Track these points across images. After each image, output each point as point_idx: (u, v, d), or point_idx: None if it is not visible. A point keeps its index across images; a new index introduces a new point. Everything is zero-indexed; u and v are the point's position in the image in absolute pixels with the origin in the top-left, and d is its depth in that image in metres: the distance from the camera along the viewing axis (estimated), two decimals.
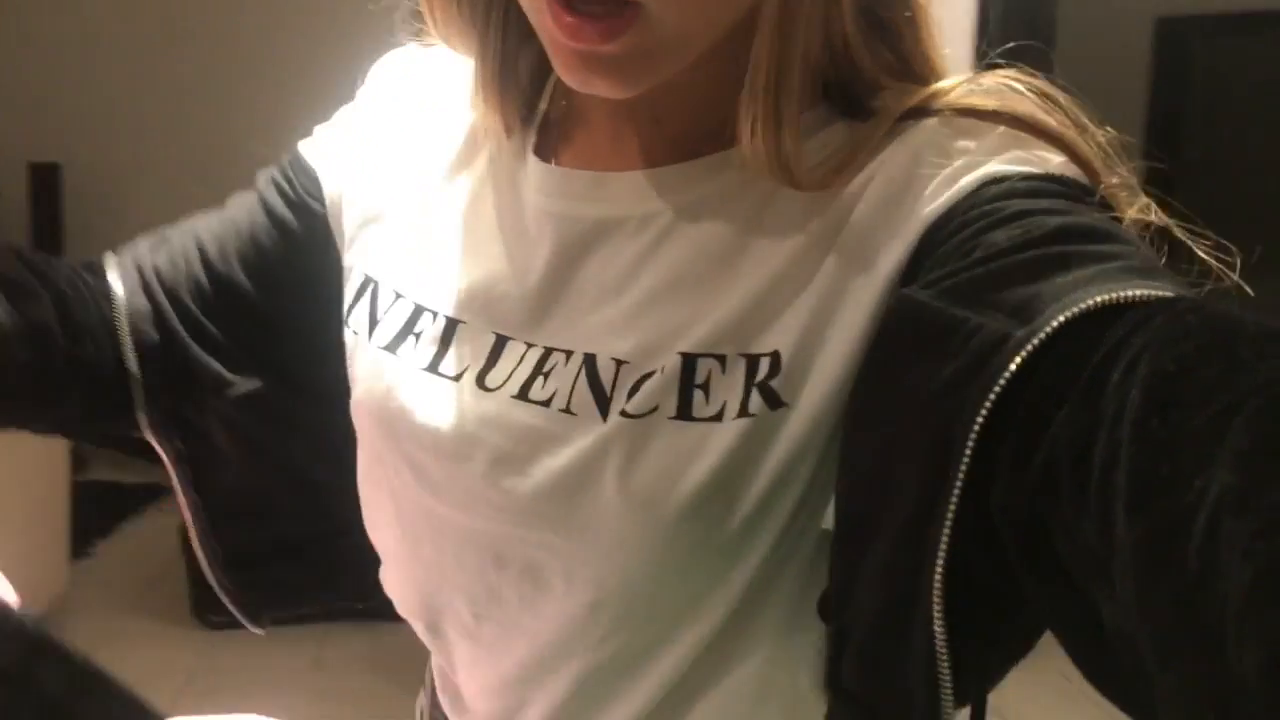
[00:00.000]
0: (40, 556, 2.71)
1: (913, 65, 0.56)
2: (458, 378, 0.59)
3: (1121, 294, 0.39)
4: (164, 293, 0.67)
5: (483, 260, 0.61)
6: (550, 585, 0.56)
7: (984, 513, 0.42)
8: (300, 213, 0.69)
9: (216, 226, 0.69)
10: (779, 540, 0.54)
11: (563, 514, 0.54)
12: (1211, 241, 0.50)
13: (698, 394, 0.53)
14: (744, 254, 0.55)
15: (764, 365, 0.52)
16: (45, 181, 3.91)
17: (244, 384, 0.68)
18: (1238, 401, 0.33)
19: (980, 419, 0.40)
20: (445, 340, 0.61)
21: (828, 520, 0.54)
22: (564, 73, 0.53)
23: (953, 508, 0.42)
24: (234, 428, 0.68)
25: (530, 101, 0.64)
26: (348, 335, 0.66)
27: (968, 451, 0.41)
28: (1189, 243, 0.52)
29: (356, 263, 0.66)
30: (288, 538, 0.73)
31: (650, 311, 0.55)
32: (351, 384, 0.64)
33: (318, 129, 0.71)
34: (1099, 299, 0.39)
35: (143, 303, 0.66)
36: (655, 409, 0.53)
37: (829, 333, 0.51)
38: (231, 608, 0.73)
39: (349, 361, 0.65)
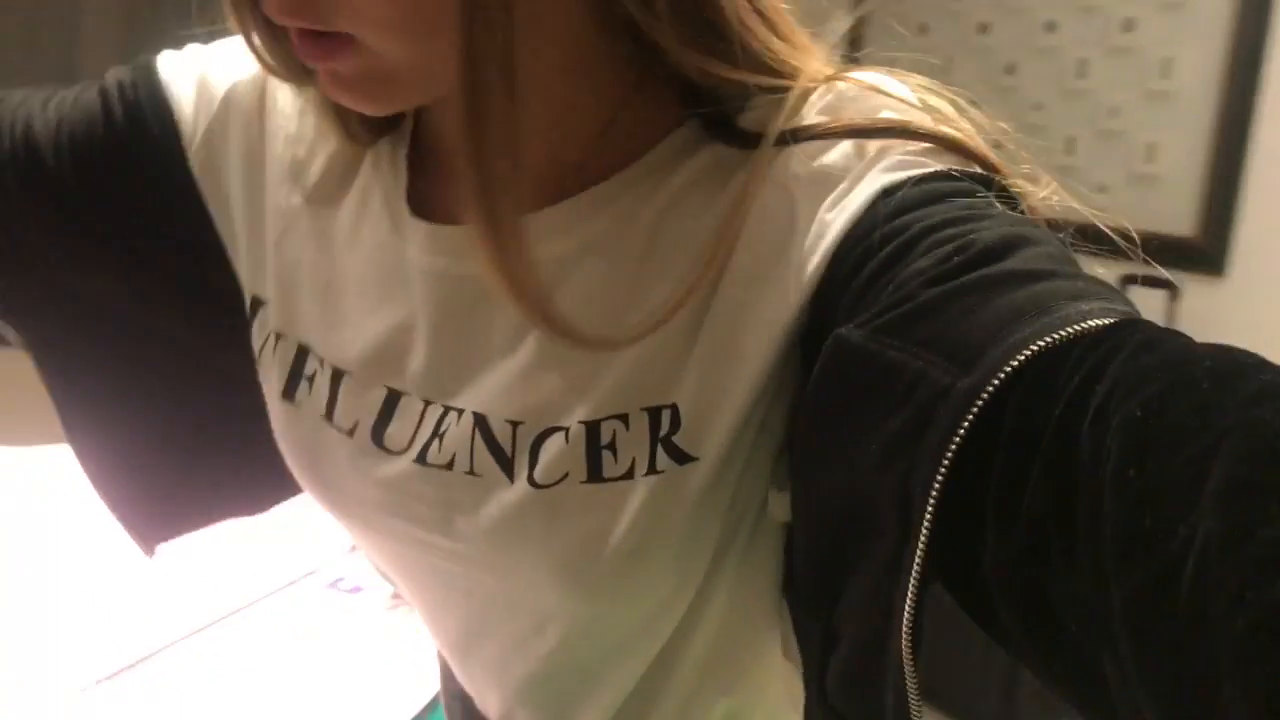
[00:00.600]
0: None
1: (763, 60, 0.52)
2: (351, 432, 0.58)
3: (1063, 332, 0.38)
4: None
5: (365, 309, 0.59)
6: (493, 604, 0.59)
7: (960, 562, 0.40)
8: (134, 121, 0.63)
9: (50, 105, 0.64)
10: (708, 576, 0.54)
11: (492, 562, 0.55)
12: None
13: (605, 454, 0.51)
14: (630, 306, 0.52)
15: (665, 419, 0.51)
16: None
17: (88, 277, 0.65)
18: (1212, 443, 0.31)
19: (938, 482, 0.38)
20: (334, 390, 0.59)
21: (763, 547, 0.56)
22: (321, 85, 0.51)
23: (917, 567, 0.39)
24: (84, 319, 0.66)
25: (379, 125, 0.61)
26: (256, 347, 0.64)
27: (929, 511, 0.38)
28: (1097, 223, 0.52)
29: (247, 277, 0.65)
30: (166, 453, 0.71)
31: (542, 372, 0.53)
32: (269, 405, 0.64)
33: (173, 57, 0.66)
34: (1044, 341, 0.38)
35: None
36: (565, 476, 0.52)
37: (725, 382, 0.50)
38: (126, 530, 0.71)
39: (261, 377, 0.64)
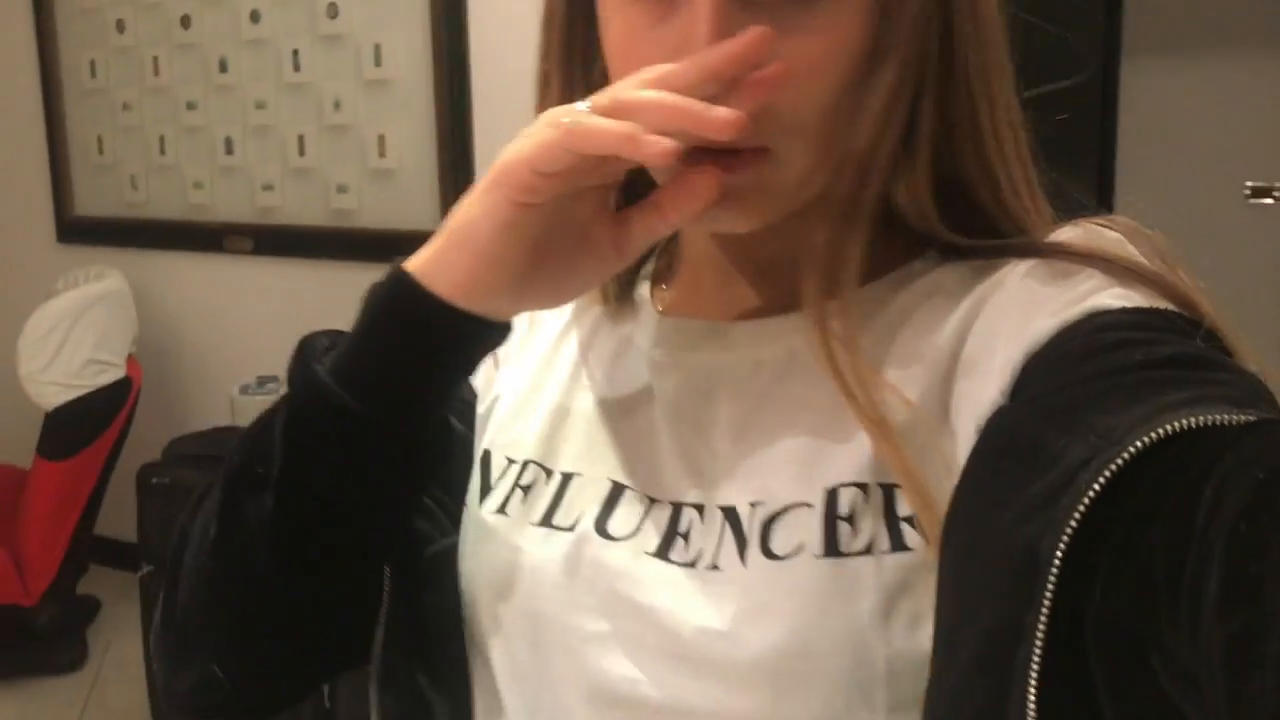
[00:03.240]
0: None
1: (999, 224, 0.58)
2: (572, 527, 0.60)
3: (1212, 418, 0.39)
4: None
5: (593, 414, 0.63)
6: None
7: (1071, 636, 0.41)
8: (462, 410, 0.69)
9: None
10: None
11: (707, 664, 0.54)
12: None
13: (843, 526, 0.52)
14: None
15: (899, 496, 0.52)
16: None
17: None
18: None
19: (1066, 537, 0.40)
20: (559, 494, 0.61)
21: None
22: (701, 218, 0.54)
23: (1042, 628, 0.41)
24: None
25: (631, 266, 0.64)
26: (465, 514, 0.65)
27: (1054, 571, 0.40)
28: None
29: (478, 443, 0.67)
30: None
31: (778, 453, 0.56)
32: (462, 559, 0.64)
33: None
34: (1187, 422, 0.39)
35: None
36: (800, 548, 0.53)
37: (940, 465, 0.51)
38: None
39: (462, 539, 0.64)
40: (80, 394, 2.45)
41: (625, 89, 0.50)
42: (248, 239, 2.71)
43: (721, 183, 0.52)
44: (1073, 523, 0.40)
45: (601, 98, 0.50)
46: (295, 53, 2.56)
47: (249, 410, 2.52)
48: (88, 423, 2.49)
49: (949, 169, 0.57)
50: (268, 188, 2.67)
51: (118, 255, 2.84)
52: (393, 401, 0.57)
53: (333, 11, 2.49)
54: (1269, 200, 3.69)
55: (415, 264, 0.55)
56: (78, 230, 2.96)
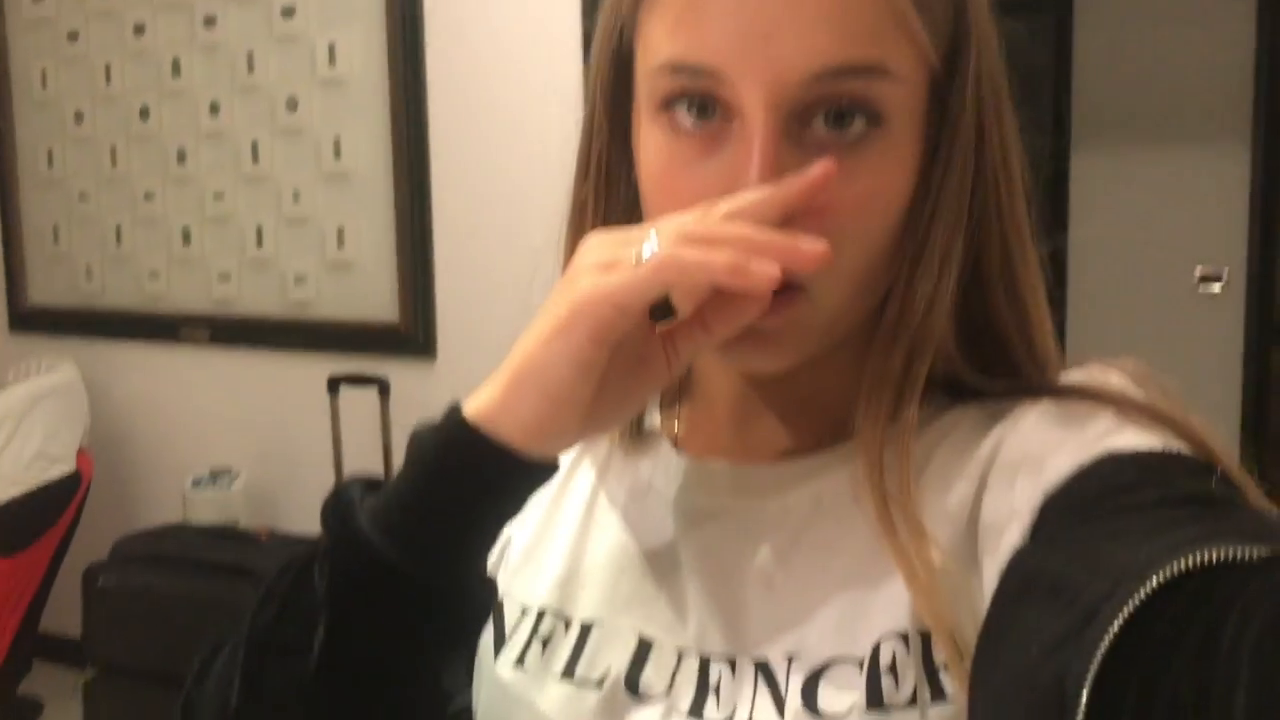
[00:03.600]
0: None
1: (1025, 366, 0.59)
2: (600, 683, 0.58)
3: (1232, 551, 0.40)
4: None
5: (612, 558, 0.62)
6: None
7: None
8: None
9: None
10: None
11: None
12: None
13: (886, 680, 0.52)
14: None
15: (935, 643, 0.52)
16: None
17: None
18: None
19: (1094, 670, 0.40)
20: (580, 645, 0.60)
21: None
22: (727, 352, 0.55)
23: None
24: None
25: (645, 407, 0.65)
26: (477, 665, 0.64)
27: (1083, 704, 0.40)
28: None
29: None
30: None
31: (812, 603, 0.55)
32: (475, 712, 0.63)
33: None
34: (1207, 555, 0.40)
35: None
36: (851, 708, 0.52)
37: (968, 612, 0.52)
38: None
39: (476, 695, 0.63)
40: (28, 489, 2.40)
41: (708, 221, 0.49)
42: (204, 329, 2.69)
43: (764, 306, 0.50)
44: (1099, 655, 0.40)
45: (687, 228, 0.49)
46: (254, 144, 2.57)
47: (201, 504, 2.47)
48: (35, 518, 2.44)
49: (979, 310, 0.58)
50: (225, 278, 2.65)
51: (71, 345, 2.81)
52: (449, 560, 0.53)
53: (292, 105, 2.50)
54: (1218, 286, 3.76)
55: (477, 409, 0.51)
56: (31, 320, 2.93)
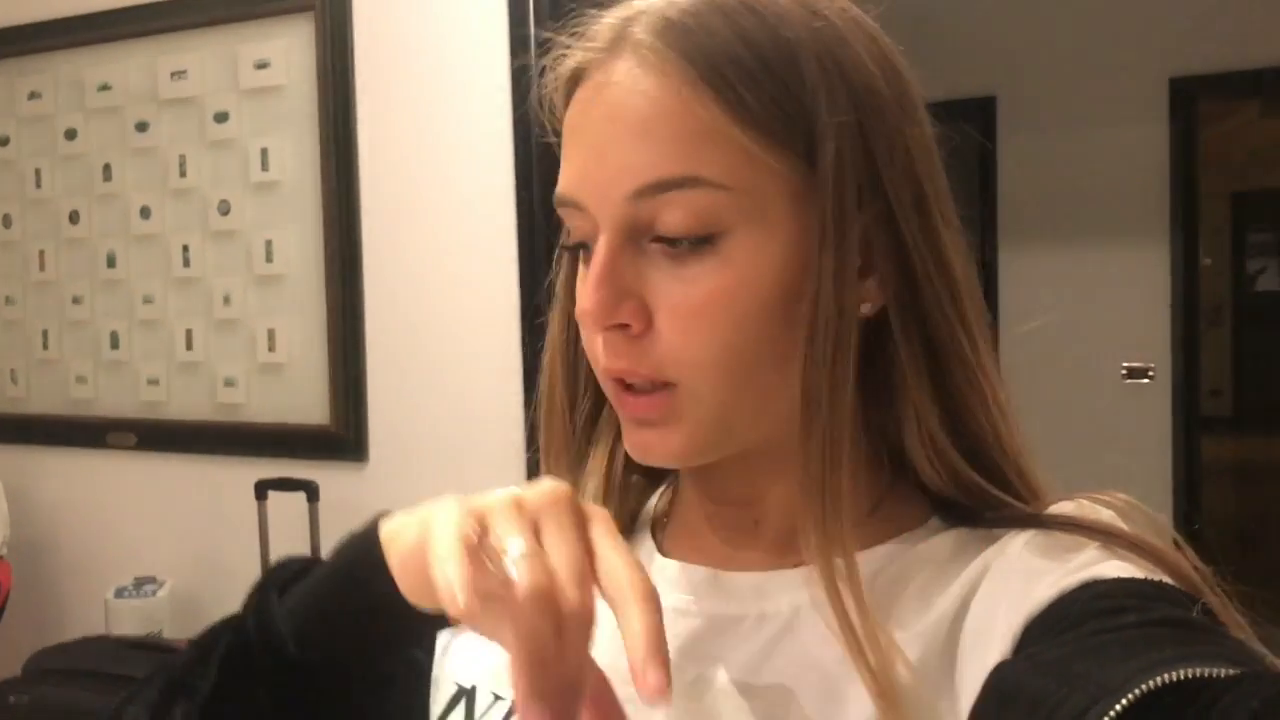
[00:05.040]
0: None
1: (1007, 476, 0.60)
2: None
3: (1207, 671, 0.41)
4: None
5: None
6: None
7: None
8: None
9: None
10: None
11: None
12: None
13: None
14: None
15: None
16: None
17: None
18: None
19: None
20: None
21: None
22: (629, 444, 0.60)
23: None
24: None
25: (634, 511, 0.69)
26: None
27: None
28: None
29: (444, 674, 0.67)
30: None
31: (782, 710, 0.56)
32: None
33: None
34: (1184, 673, 0.41)
35: None
36: None
37: None
38: None
39: None
40: None
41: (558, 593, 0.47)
42: (131, 434, 2.64)
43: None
44: None
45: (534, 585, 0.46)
46: (185, 248, 2.55)
47: (123, 614, 2.40)
48: None
49: (963, 430, 0.60)
50: (153, 382, 2.62)
51: None
52: (338, 654, 0.56)
53: (224, 208, 2.50)
54: (1145, 380, 3.84)
55: (388, 529, 0.55)
56: None
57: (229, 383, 2.54)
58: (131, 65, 2.59)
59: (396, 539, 0.54)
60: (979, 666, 0.52)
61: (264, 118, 2.45)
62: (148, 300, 2.61)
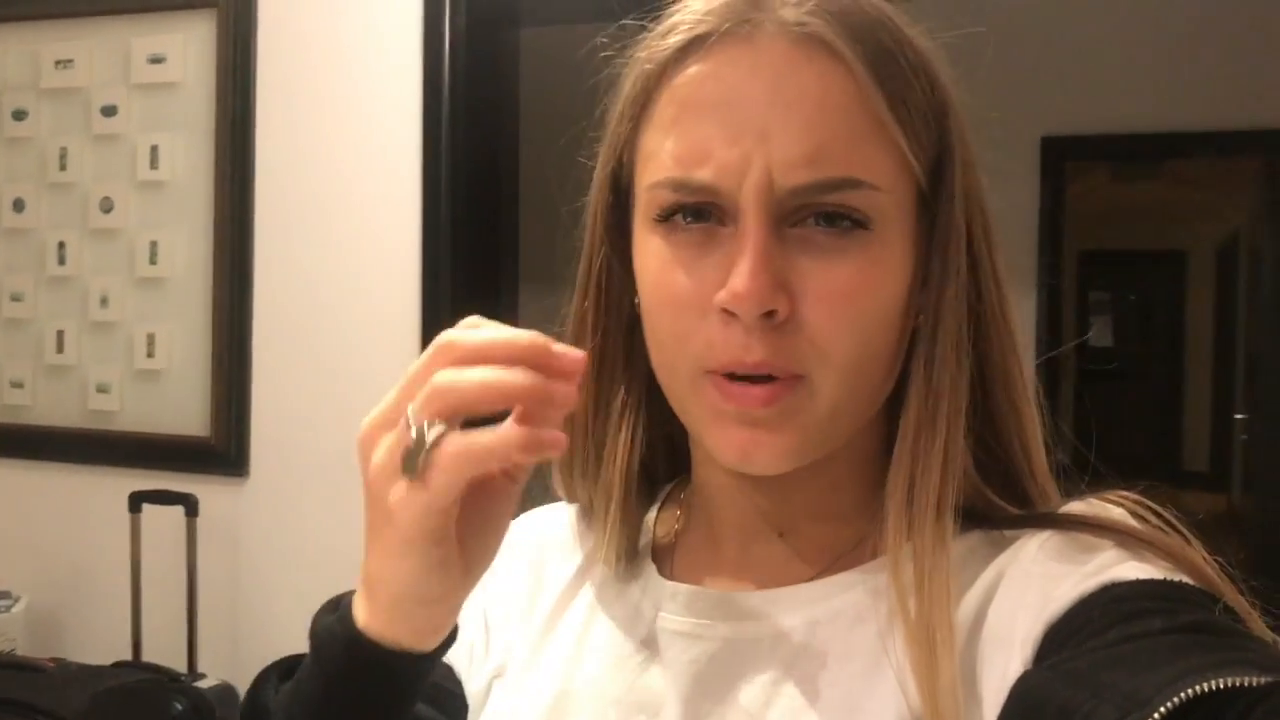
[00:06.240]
0: None
1: (1030, 496, 0.60)
2: None
3: (1237, 681, 0.41)
4: None
5: (600, 689, 0.62)
6: None
7: None
8: (442, 699, 0.67)
9: None
10: None
11: None
12: None
13: None
14: (883, 662, 0.55)
15: None
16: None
17: None
18: None
19: None
20: None
21: None
22: (722, 445, 0.56)
23: None
24: None
25: (639, 531, 0.67)
26: None
27: None
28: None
29: None
30: None
31: None
32: None
33: None
34: (1214, 684, 0.41)
35: None
36: None
37: None
38: None
39: None
40: None
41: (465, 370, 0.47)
42: None
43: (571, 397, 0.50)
44: None
45: (442, 385, 0.47)
46: (61, 245, 2.43)
47: None
48: None
49: (987, 427, 0.60)
50: (17, 385, 2.47)
51: None
52: None
53: (107, 205, 2.39)
54: None
55: (369, 625, 0.52)
56: None
57: (102, 389, 2.41)
58: (11, 50, 2.46)
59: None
60: (1000, 675, 0.52)
61: (156, 114, 2.35)
62: (16, 298, 2.47)
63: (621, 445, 0.65)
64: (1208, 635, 0.47)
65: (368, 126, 2.22)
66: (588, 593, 0.68)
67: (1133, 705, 0.42)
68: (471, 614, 0.70)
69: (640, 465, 0.66)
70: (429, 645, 0.53)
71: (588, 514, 0.70)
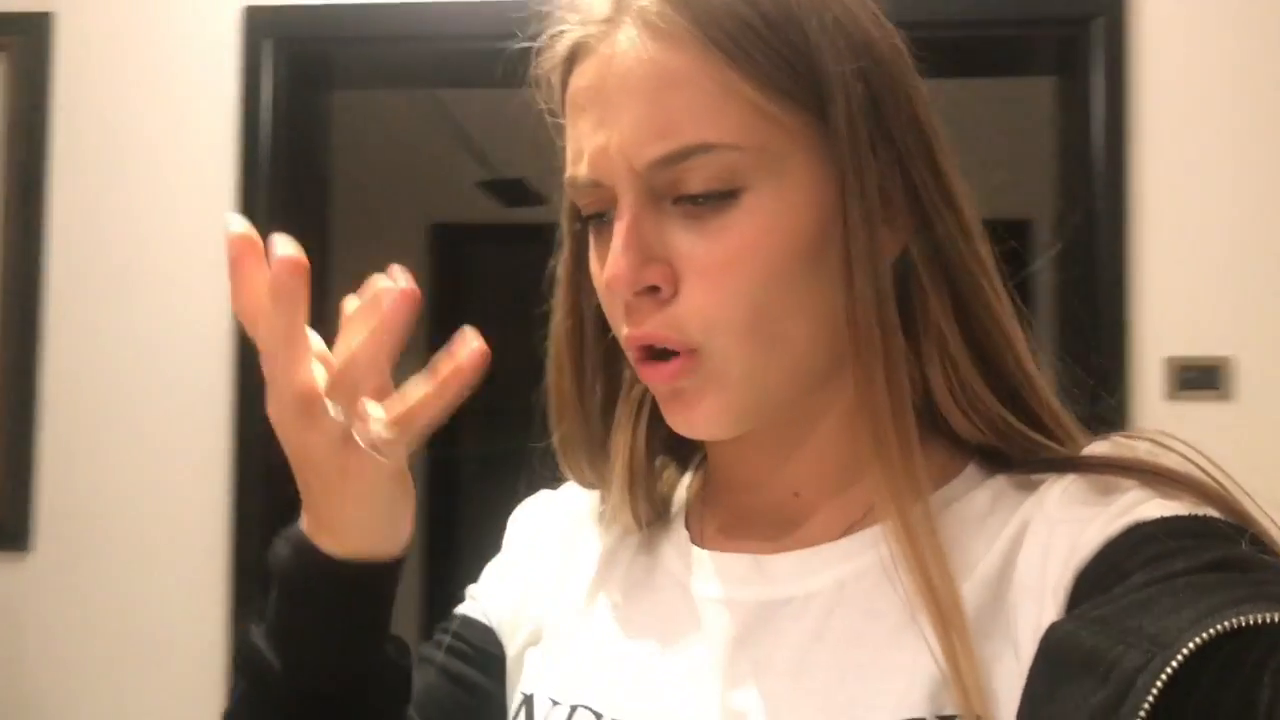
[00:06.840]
0: None
1: (1042, 419, 0.61)
2: None
3: (1260, 617, 0.41)
4: None
5: (642, 654, 0.64)
6: None
7: None
8: (487, 663, 0.72)
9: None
10: None
11: None
12: None
13: None
14: (911, 617, 0.56)
15: None
16: None
17: None
18: None
19: None
20: None
21: None
22: (671, 422, 0.60)
23: None
24: None
25: (666, 497, 0.71)
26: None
27: None
28: None
29: (514, 689, 0.70)
30: None
31: (837, 694, 0.56)
32: None
33: (470, 588, 0.76)
34: (1236, 621, 0.41)
35: None
36: None
37: (1000, 692, 0.52)
38: None
39: None
40: None
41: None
42: None
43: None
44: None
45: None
46: None
47: None
48: None
49: (996, 372, 0.60)
50: None
51: None
52: (334, 666, 0.59)
53: None
54: None
55: (323, 540, 0.58)
56: None
57: None
58: None
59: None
60: (1034, 626, 0.52)
61: None
62: None
63: (624, 422, 0.68)
64: (1233, 570, 0.47)
65: (175, 179, 2.15)
66: (622, 566, 0.70)
67: (1157, 648, 0.43)
68: (507, 586, 0.74)
69: (661, 439, 0.68)
70: (387, 549, 0.59)
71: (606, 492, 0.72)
